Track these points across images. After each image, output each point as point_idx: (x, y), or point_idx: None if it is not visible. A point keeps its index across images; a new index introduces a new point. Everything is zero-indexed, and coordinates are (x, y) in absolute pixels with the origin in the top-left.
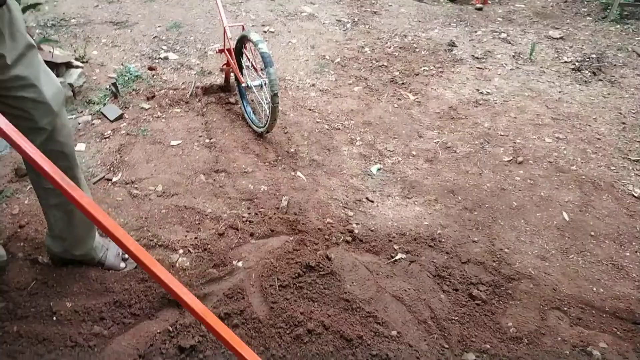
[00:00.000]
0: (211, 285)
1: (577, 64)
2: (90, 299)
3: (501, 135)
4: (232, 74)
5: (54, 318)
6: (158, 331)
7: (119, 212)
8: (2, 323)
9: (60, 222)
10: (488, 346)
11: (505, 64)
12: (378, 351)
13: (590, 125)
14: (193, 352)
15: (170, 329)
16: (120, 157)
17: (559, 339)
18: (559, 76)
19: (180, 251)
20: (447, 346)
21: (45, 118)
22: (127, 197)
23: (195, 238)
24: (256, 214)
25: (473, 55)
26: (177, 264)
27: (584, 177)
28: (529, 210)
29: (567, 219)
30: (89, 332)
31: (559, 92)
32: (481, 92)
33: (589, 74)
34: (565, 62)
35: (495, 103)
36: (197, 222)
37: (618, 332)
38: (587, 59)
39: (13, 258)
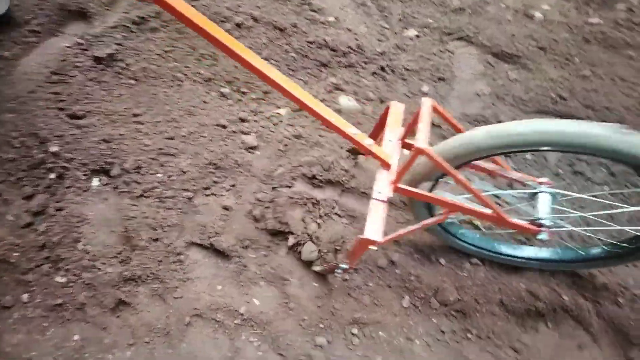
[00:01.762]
0: None
1: None
2: None
3: None
4: None
5: None
6: (67, 45)
7: None
8: None
9: None
10: (430, 20)
11: None
12: (315, 38)
13: None
14: (113, 61)
15: (80, 41)
16: None
17: (503, 6)
18: None
19: None
20: (387, 26)
21: None
22: None
23: None
24: None
25: None
26: None
27: None
28: None
29: None
30: None
31: None
32: None
33: None
34: None
35: None
36: None
37: None
38: None
39: None
